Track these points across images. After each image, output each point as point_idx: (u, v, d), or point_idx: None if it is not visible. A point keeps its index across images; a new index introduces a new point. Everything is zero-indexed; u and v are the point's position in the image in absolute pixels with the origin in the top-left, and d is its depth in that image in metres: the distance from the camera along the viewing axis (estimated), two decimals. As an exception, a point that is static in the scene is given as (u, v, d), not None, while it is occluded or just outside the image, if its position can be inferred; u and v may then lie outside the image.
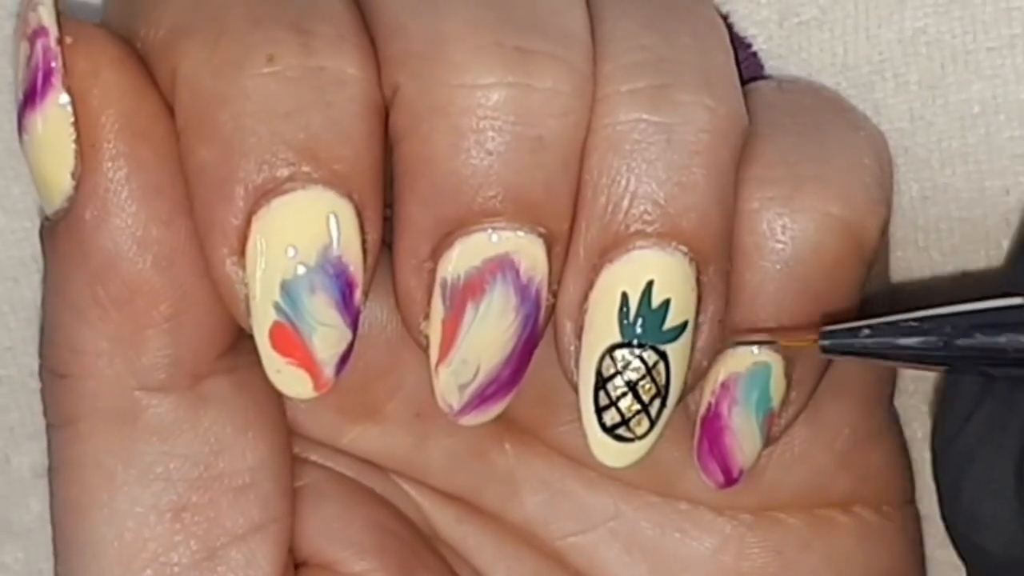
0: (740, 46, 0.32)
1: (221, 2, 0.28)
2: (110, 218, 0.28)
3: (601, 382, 0.28)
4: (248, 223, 0.27)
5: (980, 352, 0.28)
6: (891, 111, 0.32)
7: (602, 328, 0.28)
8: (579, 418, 0.29)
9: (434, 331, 0.28)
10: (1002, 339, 0.28)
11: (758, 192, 0.29)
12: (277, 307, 0.28)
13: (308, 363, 0.28)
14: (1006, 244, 0.32)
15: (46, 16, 0.28)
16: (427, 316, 0.28)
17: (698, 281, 0.28)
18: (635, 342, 0.28)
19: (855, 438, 0.32)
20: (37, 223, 0.30)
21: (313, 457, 0.32)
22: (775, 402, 0.30)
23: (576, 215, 0.28)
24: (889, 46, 0.32)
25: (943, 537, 0.31)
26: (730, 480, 0.30)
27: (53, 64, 0.28)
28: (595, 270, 0.28)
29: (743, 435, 0.30)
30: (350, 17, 0.28)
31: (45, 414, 0.30)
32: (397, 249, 0.28)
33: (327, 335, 0.28)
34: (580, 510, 0.32)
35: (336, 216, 0.28)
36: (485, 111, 0.27)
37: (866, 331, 0.28)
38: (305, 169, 0.27)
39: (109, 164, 0.28)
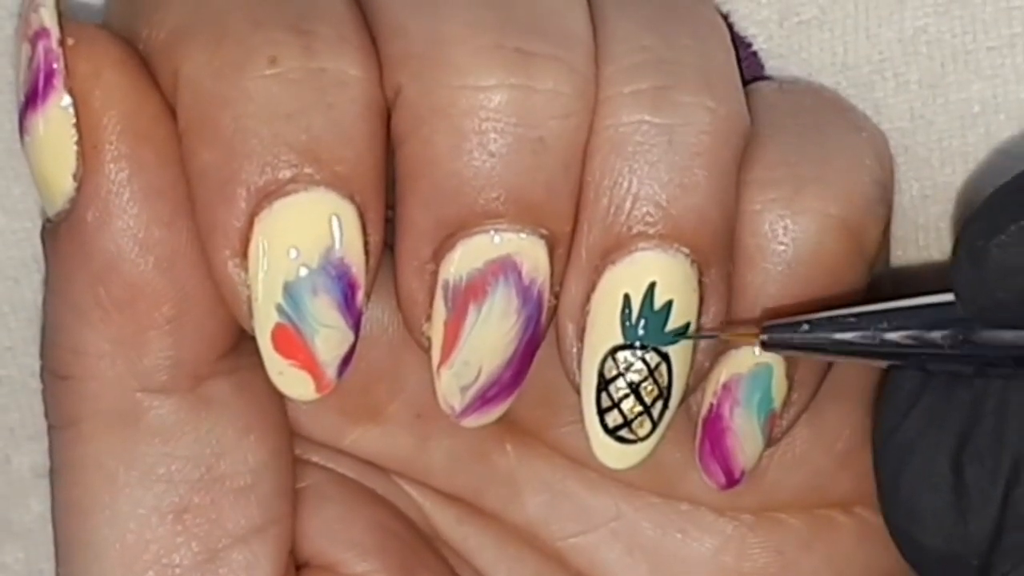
0: (740, 46, 0.32)
1: (223, 4, 0.28)
2: (112, 220, 0.28)
3: (603, 384, 0.28)
4: (250, 225, 0.27)
5: (915, 347, 0.28)
6: (891, 110, 0.32)
7: (604, 330, 0.28)
8: (581, 420, 0.29)
9: (436, 333, 0.28)
10: (935, 335, 0.28)
11: (759, 194, 0.29)
12: (279, 309, 0.28)
13: (310, 365, 0.28)
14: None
15: (48, 18, 0.28)
16: (429, 318, 0.28)
17: (700, 283, 0.28)
18: (637, 344, 0.28)
19: (856, 439, 0.32)
20: (38, 223, 0.30)
21: (315, 458, 0.32)
22: (777, 403, 0.30)
23: (578, 217, 0.28)
24: (889, 46, 0.32)
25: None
26: (732, 481, 0.30)
27: (55, 66, 0.28)
28: (597, 272, 0.28)
29: (745, 436, 0.30)
30: (351, 18, 0.28)
31: (46, 415, 0.30)
32: (399, 250, 0.28)
33: (329, 337, 0.28)
34: (581, 511, 0.32)
35: (338, 217, 0.27)
36: (487, 113, 0.27)
37: (805, 326, 0.29)
38: (307, 171, 0.27)
39: (111, 166, 0.28)
